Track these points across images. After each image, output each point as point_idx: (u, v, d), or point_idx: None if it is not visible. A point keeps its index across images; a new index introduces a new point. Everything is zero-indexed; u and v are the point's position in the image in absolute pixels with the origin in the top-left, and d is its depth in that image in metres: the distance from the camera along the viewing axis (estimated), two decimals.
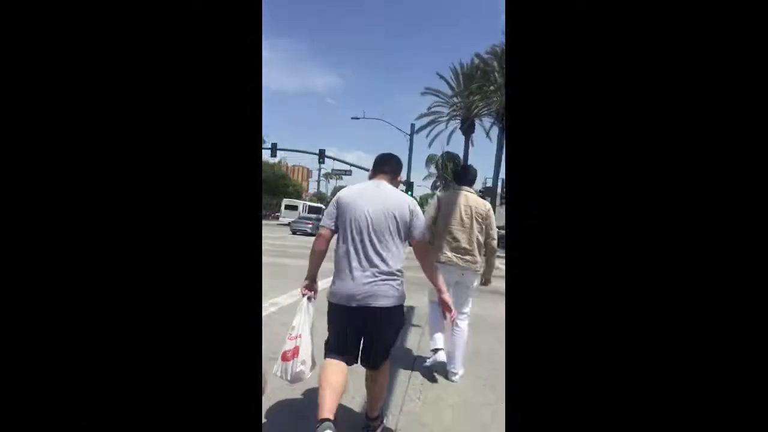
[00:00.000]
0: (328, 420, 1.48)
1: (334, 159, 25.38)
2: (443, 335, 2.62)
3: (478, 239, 2.65)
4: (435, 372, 2.66)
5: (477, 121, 25.24)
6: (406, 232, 1.75)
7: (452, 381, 2.61)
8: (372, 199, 1.74)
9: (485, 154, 59.10)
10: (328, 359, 1.72)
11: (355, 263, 1.69)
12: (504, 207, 20.92)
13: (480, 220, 2.65)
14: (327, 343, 1.79)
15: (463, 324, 2.68)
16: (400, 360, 2.81)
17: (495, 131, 24.02)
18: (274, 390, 2.13)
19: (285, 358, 1.76)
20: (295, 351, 1.76)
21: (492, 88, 22.41)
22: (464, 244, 2.62)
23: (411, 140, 21.59)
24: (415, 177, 27.90)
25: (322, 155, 21.48)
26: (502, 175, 20.59)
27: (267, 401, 2.05)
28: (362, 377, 1.88)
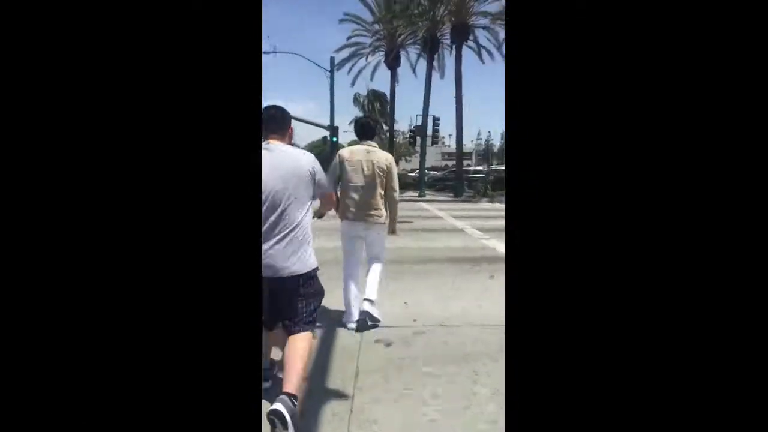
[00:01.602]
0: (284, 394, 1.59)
1: None
2: (357, 302, 2.76)
3: (380, 193, 2.74)
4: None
5: (403, 53, 22.89)
6: (311, 193, 1.76)
7: (369, 309, 2.71)
8: (268, 166, 1.62)
9: (413, 89, 56.75)
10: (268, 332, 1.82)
11: (264, 236, 1.66)
12: (434, 146, 19.86)
13: (381, 173, 2.72)
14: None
15: (378, 264, 2.88)
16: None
17: (422, 64, 21.92)
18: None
19: None
20: None
21: (417, 11, 19.92)
22: (368, 198, 2.71)
23: (332, 77, 18.89)
24: (339, 121, 25.22)
25: None
26: (432, 112, 18.84)
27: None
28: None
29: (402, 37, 21.11)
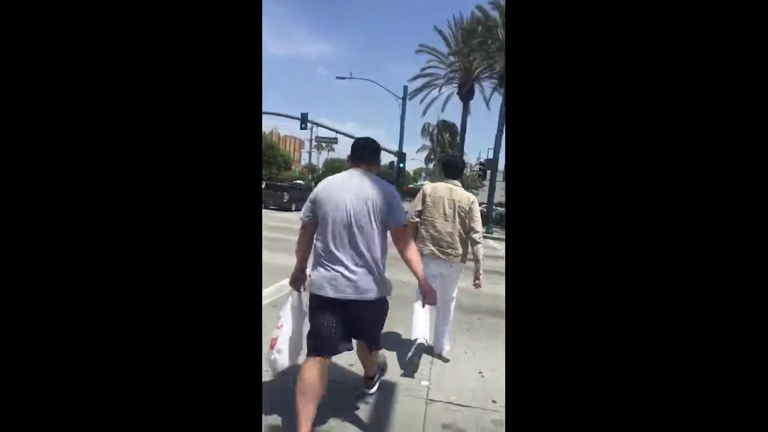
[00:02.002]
0: None
1: (316, 124, 22.78)
2: (426, 325, 2.63)
3: (460, 233, 2.69)
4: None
5: (477, 87, 22.73)
6: (385, 221, 1.74)
7: (443, 358, 2.72)
8: (350, 190, 1.72)
9: (485, 122, 56.20)
10: (307, 360, 1.72)
11: (335, 256, 1.68)
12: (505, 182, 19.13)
13: (463, 214, 2.68)
14: (309, 336, 1.75)
15: (452, 305, 2.82)
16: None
17: (496, 98, 21.60)
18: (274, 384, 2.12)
19: (272, 345, 1.84)
20: (274, 341, 1.84)
21: (495, 45, 19.78)
22: (446, 237, 2.66)
23: (403, 105, 19.23)
24: (407, 149, 25.39)
25: (304, 120, 19.14)
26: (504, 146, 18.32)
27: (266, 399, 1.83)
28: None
29: (478, 70, 21.00)
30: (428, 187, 2.79)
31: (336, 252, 1.68)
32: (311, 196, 1.79)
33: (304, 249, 1.85)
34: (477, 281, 2.78)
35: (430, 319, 2.74)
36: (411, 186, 31.48)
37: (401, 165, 19.07)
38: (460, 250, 2.69)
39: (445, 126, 28.66)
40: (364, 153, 1.86)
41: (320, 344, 1.71)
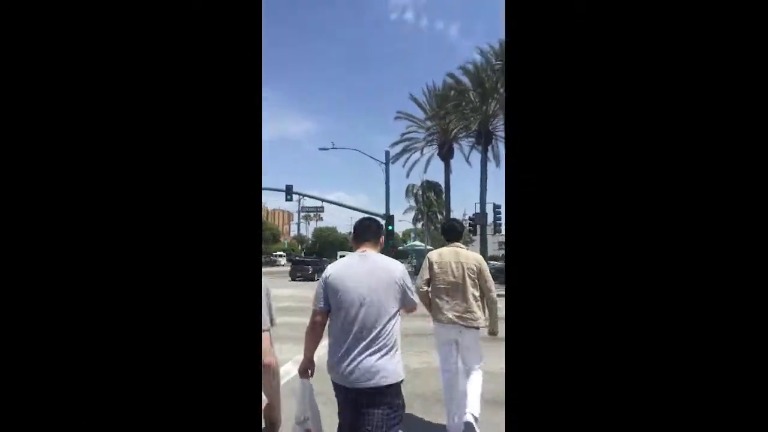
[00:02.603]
0: None
1: (302, 195, 22.92)
2: (461, 402, 2.59)
3: (473, 294, 2.62)
4: None
5: (456, 146, 23.52)
6: (401, 300, 1.75)
7: (471, 422, 2.47)
8: (361, 274, 1.73)
9: (466, 178, 58.04)
10: None
11: (348, 344, 1.67)
12: (496, 235, 19.02)
13: (473, 275, 2.63)
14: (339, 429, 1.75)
15: (476, 375, 2.64)
16: None
17: (475, 155, 22.26)
18: None
19: None
20: None
21: (469, 107, 20.80)
22: (460, 302, 2.62)
23: (387, 170, 19.61)
24: (394, 211, 25.53)
25: (289, 191, 19.25)
26: (490, 199, 18.44)
27: None
28: None
29: (455, 130, 21.85)
30: (434, 254, 2.76)
31: (351, 339, 1.66)
32: (321, 282, 1.77)
33: (316, 339, 1.81)
34: (493, 331, 2.70)
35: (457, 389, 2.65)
36: (400, 248, 31.13)
37: (390, 228, 18.94)
38: (478, 313, 2.62)
39: (429, 186, 29.20)
40: (368, 232, 1.88)
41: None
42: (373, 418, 1.65)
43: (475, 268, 2.64)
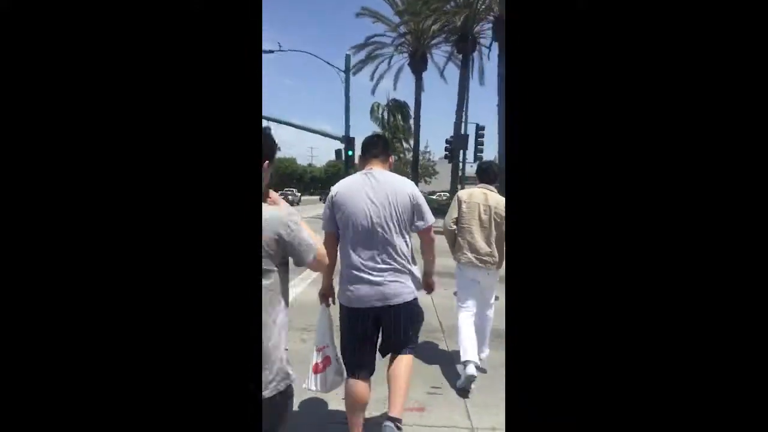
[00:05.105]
0: None
1: None
2: (474, 344, 2.64)
3: (497, 238, 2.68)
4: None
5: (429, 57, 19.48)
6: (410, 222, 1.71)
7: (480, 369, 2.63)
8: (369, 191, 1.68)
9: (441, 97, 51.38)
10: (350, 380, 1.73)
11: (362, 262, 1.66)
12: (477, 163, 15.90)
13: (499, 219, 2.67)
14: (344, 354, 1.76)
15: (490, 312, 2.83)
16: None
17: (452, 70, 18.40)
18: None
19: (317, 369, 1.76)
20: (326, 361, 1.76)
21: (452, 4, 16.53)
22: (484, 244, 2.66)
23: (347, 78, 15.49)
24: (357, 134, 21.56)
25: None
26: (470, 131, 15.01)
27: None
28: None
29: (433, 29, 17.55)
30: (463, 193, 2.80)
31: (360, 259, 1.65)
32: (328, 202, 1.74)
33: (332, 261, 1.70)
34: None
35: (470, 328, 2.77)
36: None
37: (350, 153, 15.30)
38: (497, 257, 2.67)
39: (396, 106, 25.01)
40: (375, 148, 1.81)
41: (357, 363, 1.71)
42: (401, 330, 1.71)
43: (502, 213, 2.63)
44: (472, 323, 2.71)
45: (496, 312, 2.84)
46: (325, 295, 1.83)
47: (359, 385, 1.69)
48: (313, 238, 1.23)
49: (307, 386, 1.76)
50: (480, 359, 2.65)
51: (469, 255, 2.64)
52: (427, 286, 1.92)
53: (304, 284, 4.83)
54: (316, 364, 1.74)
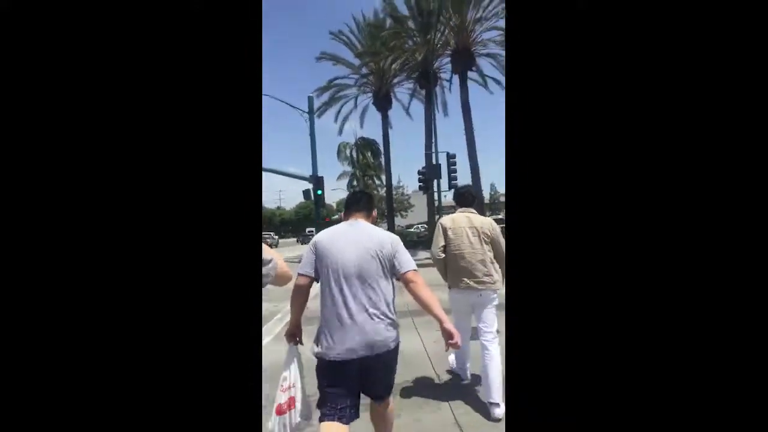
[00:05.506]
0: None
1: None
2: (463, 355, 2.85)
3: (490, 258, 2.69)
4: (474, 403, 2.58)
5: (393, 96, 19.86)
6: (391, 269, 1.72)
7: (495, 418, 2.39)
8: (351, 241, 1.71)
9: (408, 133, 52.62)
10: (326, 423, 1.62)
11: (344, 312, 1.63)
12: (452, 192, 15.75)
13: (487, 240, 2.69)
14: (321, 404, 1.67)
15: (494, 346, 2.56)
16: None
17: (417, 106, 18.78)
18: None
19: (281, 411, 1.68)
20: (291, 402, 1.71)
21: (410, 43, 17.09)
22: (480, 266, 2.65)
23: (311, 119, 15.47)
24: (326, 175, 21.41)
25: None
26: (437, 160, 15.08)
27: None
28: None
29: (394, 67, 17.98)
30: (446, 220, 2.79)
31: (341, 309, 1.63)
32: (311, 246, 1.76)
33: (301, 303, 1.78)
34: None
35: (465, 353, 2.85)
36: (335, 218, 27.10)
37: (319, 192, 14.98)
38: (495, 275, 2.65)
39: (365, 144, 25.13)
40: (360, 203, 1.87)
41: (337, 413, 1.63)
42: (383, 377, 1.72)
43: (489, 232, 2.68)
44: (466, 350, 2.87)
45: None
46: (293, 334, 1.83)
47: (337, 427, 1.61)
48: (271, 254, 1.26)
49: (270, 430, 1.67)
50: (496, 416, 2.40)
51: (467, 280, 2.63)
52: (449, 335, 1.65)
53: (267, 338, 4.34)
54: (280, 405, 1.67)
